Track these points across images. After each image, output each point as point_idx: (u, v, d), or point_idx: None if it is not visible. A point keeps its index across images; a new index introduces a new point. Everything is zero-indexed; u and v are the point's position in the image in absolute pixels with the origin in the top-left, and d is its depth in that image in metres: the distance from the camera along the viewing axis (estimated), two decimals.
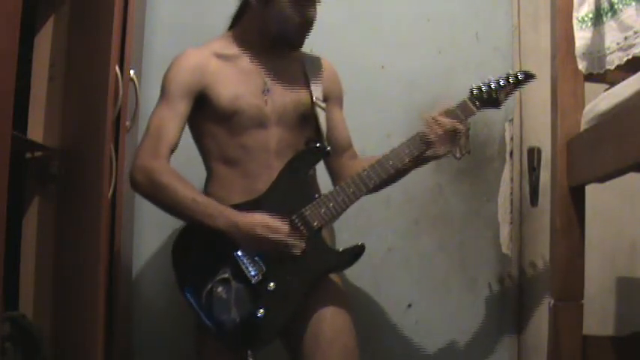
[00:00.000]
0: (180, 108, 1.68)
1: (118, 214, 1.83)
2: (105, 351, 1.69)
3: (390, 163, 1.68)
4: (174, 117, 1.66)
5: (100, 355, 1.64)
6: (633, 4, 1.63)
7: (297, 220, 1.63)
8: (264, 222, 1.60)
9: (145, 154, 1.63)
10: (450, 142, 1.71)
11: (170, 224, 2.06)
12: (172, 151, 1.66)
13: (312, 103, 1.76)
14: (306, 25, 1.72)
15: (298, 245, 1.62)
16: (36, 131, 1.75)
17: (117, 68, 1.75)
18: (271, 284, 1.61)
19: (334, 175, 1.85)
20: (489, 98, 1.75)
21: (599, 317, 2.23)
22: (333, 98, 1.84)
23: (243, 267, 1.61)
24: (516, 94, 2.32)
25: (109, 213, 1.76)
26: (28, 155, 1.75)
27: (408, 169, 1.74)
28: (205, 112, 1.71)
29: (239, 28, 1.78)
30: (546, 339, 1.92)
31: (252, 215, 1.61)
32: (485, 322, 2.29)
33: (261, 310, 1.59)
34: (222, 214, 1.60)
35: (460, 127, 1.70)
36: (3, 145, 1.32)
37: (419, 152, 1.70)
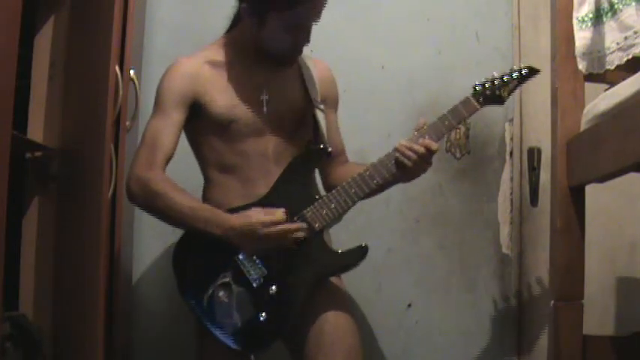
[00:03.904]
0: (175, 117, 1.67)
1: (118, 214, 1.83)
2: (105, 351, 1.69)
3: (393, 162, 1.66)
4: (168, 126, 1.65)
5: (100, 355, 1.64)
6: (633, 4, 1.63)
7: (298, 222, 1.63)
8: (259, 219, 1.58)
9: (140, 165, 1.63)
10: (426, 163, 1.66)
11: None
12: (168, 160, 1.65)
13: (311, 107, 1.76)
14: (298, 49, 1.70)
15: (299, 231, 1.60)
16: (36, 131, 1.75)
17: (117, 68, 1.75)
18: (273, 287, 1.60)
19: (325, 180, 1.85)
20: (492, 95, 1.71)
21: (599, 317, 2.23)
22: (328, 102, 1.83)
23: (244, 270, 1.61)
24: (517, 93, 2.34)
25: (109, 213, 1.75)
26: (28, 155, 1.75)
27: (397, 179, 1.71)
28: (201, 121, 1.70)
29: (233, 35, 1.76)
30: (546, 339, 1.92)
31: (246, 214, 1.59)
32: (485, 322, 2.29)
33: (263, 314, 1.59)
34: (217, 220, 1.59)
35: (435, 147, 1.64)
36: (3, 145, 1.32)
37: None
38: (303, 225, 1.62)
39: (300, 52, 1.72)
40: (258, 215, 1.59)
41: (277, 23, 1.63)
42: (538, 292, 2.28)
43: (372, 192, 1.68)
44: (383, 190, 1.77)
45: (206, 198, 1.73)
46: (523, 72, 1.75)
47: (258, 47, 1.71)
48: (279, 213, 1.59)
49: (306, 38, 1.69)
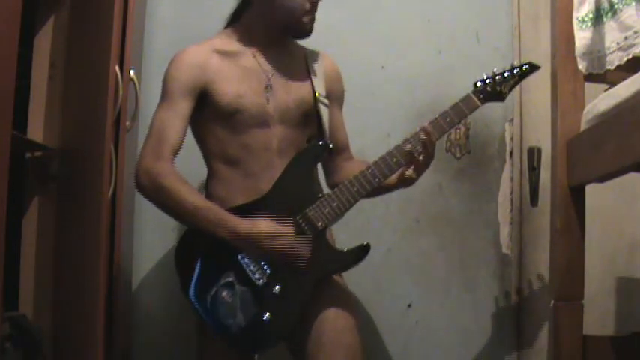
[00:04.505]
0: (182, 107, 1.66)
1: (118, 214, 1.83)
2: (105, 351, 1.69)
3: (394, 160, 1.66)
4: (176, 117, 1.65)
5: (100, 355, 1.64)
6: (633, 4, 1.63)
7: (300, 221, 1.62)
8: (269, 232, 1.58)
9: (147, 157, 1.62)
10: (427, 156, 1.67)
11: (170, 224, 2.06)
12: (176, 152, 1.64)
13: (315, 100, 1.75)
14: (312, 8, 1.70)
15: (303, 257, 1.60)
16: (36, 131, 1.75)
17: (117, 68, 1.75)
18: (276, 287, 1.60)
19: (329, 176, 1.85)
20: (493, 91, 1.73)
21: (599, 317, 2.23)
22: (334, 97, 1.83)
23: (248, 270, 1.60)
24: (517, 93, 2.35)
25: (109, 213, 1.75)
26: (28, 155, 1.75)
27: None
28: (207, 111, 1.69)
29: (241, 24, 1.76)
30: (546, 339, 1.92)
31: (256, 224, 1.59)
32: (485, 322, 2.29)
33: (267, 314, 1.58)
34: (224, 223, 1.58)
35: (434, 136, 1.65)
36: (3, 145, 1.32)
37: (420, 150, 1.68)
38: (306, 254, 1.61)
39: (314, 8, 1.71)
40: (267, 227, 1.59)
41: None
42: (538, 292, 2.29)
43: (374, 191, 1.68)
44: (387, 192, 1.77)
45: (209, 192, 1.73)
46: (524, 68, 1.76)
47: (273, 24, 1.71)
48: (288, 228, 1.60)
49: None
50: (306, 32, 1.73)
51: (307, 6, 1.69)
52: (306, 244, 1.61)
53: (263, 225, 1.59)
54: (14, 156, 1.37)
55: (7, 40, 1.35)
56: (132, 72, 1.89)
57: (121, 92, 1.76)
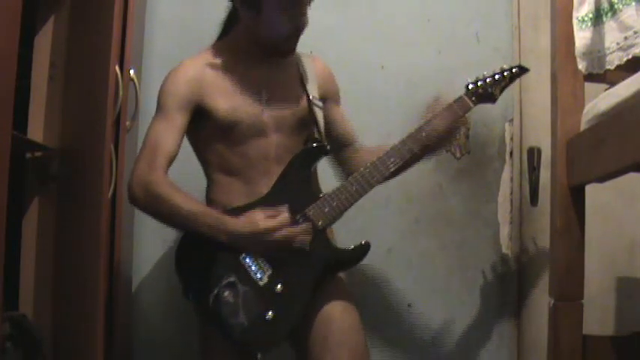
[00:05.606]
0: (177, 120, 1.66)
1: (118, 215, 1.83)
2: (105, 351, 1.69)
3: (392, 160, 1.68)
4: (170, 129, 1.64)
5: (100, 355, 1.64)
6: (633, 4, 1.64)
7: (301, 221, 1.63)
8: (266, 226, 1.57)
9: (141, 168, 1.61)
10: (452, 138, 1.74)
11: None
12: (170, 162, 1.63)
13: (310, 105, 1.76)
14: (297, 32, 1.70)
15: (305, 237, 1.60)
16: (36, 131, 1.75)
17: (117, 68, 1.75)
18: (279, 286, 1.60)
19: (340, 170, 1.85)
20: (485, 93, 1.77)
21: (599, 317, 2.23)
22: (330, 97, 1.84)
23: (249, 269, 1.60)
24: (517, 93, 2.35)
25: (109, 213, 1.76)
26: (28, 155, 1.76)
27: (409, 163, 1.74)
28: (204, 124, 1.69)
29: (231, 38, 1.77)
30: (546, 339, 1.92)
31: (252, 220, 1.58)
32: (485, 322, 2.29)
33: (270, 312, 1.58)
34: (222, 227, 1.58)
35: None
36: (3, 145, 1.32)
37: (419, 149, 1.70)
38: (308, 226, 1.62)
39: (299, 33, 1.71)
40: (264, 222, 1.58)
41: (273, 5, 1.63)
42: (538, 292, 2.28)
43: (374, 186, 1.70)
44: (399, 173, 1.77)
45: (210, 198, 1.73)
46: (514, 70, 1.81)
47: (258, 41, 1.71)
48: (284, 216, 1.59)
49: (303, 19, 1.69)
50: (287, 54, 1.74)
51: (291, 31, 1.69)
52: (306, 231, 1.62)
53: (260, 219, 1.58)
54: (14, 156, 1.37)
55: (7, 40, 1.35)
56: (132, 72, 1.89)
57: (121, 92, 1.76)
